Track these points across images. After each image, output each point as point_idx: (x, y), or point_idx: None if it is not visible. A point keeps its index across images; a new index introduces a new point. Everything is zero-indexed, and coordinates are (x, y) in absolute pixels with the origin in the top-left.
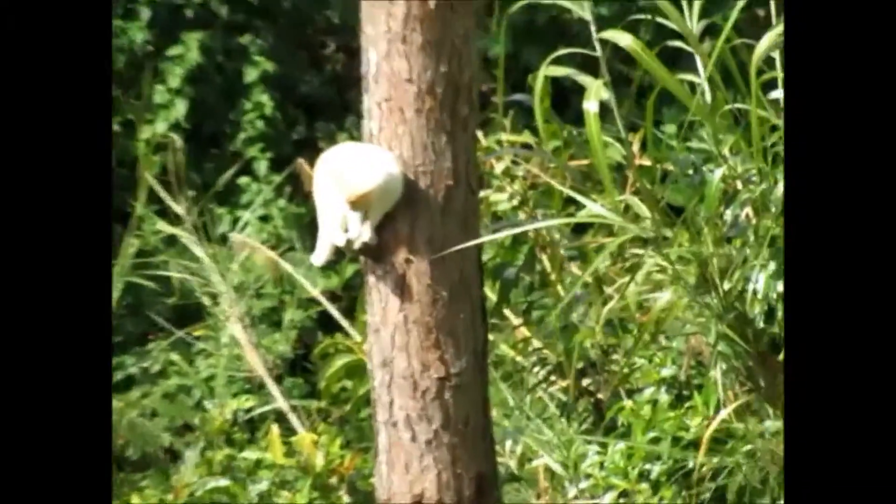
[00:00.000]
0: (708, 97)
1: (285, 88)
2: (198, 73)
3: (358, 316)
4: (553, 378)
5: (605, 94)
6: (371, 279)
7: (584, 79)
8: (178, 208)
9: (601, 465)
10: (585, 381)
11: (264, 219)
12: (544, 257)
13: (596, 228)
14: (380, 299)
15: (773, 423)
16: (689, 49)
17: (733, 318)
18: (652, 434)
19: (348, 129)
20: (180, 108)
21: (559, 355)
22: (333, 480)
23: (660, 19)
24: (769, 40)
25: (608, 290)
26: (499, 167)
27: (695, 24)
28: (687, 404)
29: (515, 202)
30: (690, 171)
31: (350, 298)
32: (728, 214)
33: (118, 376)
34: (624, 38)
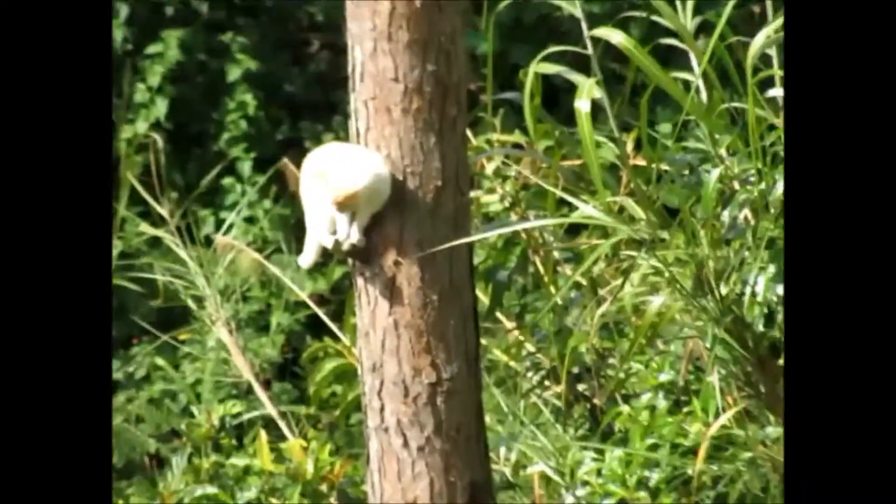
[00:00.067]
0: (703, 96)
1: (269, 87)
2: (178, 71)
3: (347, 319)
4: (547, 383)
5: (598, 93)
6: (360, 282)
7: (575, 77)
8: (162, 210)
9: (598, 472)
10: (581, 387)
11: (249, 220)
12: (537, 259)
13: (590, 230)
14: (369, 302)
15: (774, 430)
16: (682, 47)
17: (731, 321)
18: (650, 440)
19: (334, 130)
20: (161, 107)
21: (553, 360)
22: (324, 487)
23: (653, 16)
24: (765, 37)
25: (602, 292)
26: (490, 167)
27: (689, 21)
28: (685, 410)
29: (507, 203)
30: (686, 172)
31: (338, 301)
32: (726, 216)
33: None
34: (616, 36)
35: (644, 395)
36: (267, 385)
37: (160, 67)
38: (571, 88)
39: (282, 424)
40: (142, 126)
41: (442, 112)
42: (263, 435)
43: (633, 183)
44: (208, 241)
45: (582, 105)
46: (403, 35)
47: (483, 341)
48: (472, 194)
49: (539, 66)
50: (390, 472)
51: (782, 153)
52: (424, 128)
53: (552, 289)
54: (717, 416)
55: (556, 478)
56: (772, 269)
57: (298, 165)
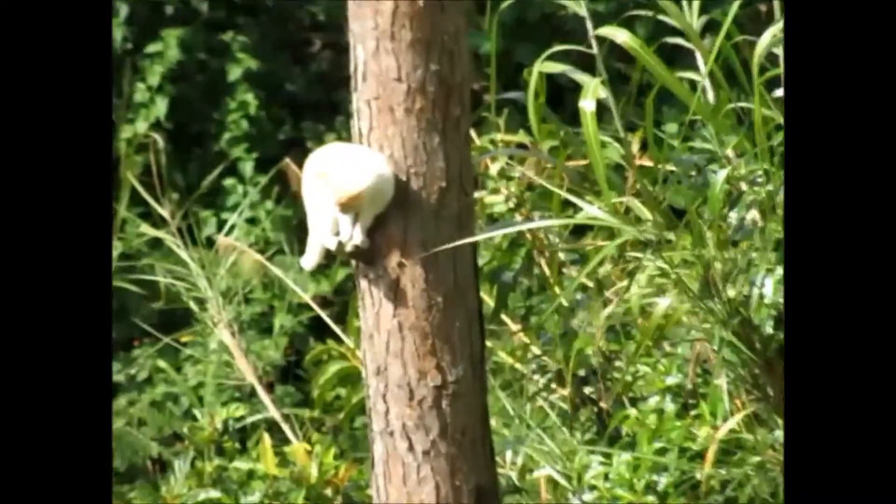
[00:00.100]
0: (710, 96)
1: (270, 87)
2: (178, 70)
3: (350, 321)
4: (554, 386)
5: (603, 93)
6: (363, 283)
7: (580, 76)
8: (163, 211)
9: (606, 477)
10: (588, 390)
11: (251, 221)
12: (542, 261)
13: (596, 231)
14: (373, 304)
15: (783, 433)
16: (688, 46)
17: (738, 323)
18: (658, 444)
19: (337, 130)
20: (161, 107)
21: (559, 362)
22: (328, 492)
23: (658, 15)
24: (771, 36)
25: (608, 294)
26: (494, 168)
27: (695, 20)
28: (694, 413)
29: (511, 204)
30: (693, 172)
31: (342, 303)
32: (733, 217)
33: None
34: (621, 35)
35: (652, 398)
36: (270, 388)
37: (160, 67)
38: (576, 88)
39: (285, 428)
40: (142, 126)
41: (445, 112)
42: (267, 438)
43: (639, 183)
44: (210, 243)
45: (587, 105)
46: (406, 34)
47: (488, 343)
48: (477, 195)
49: (543, 66)
50: (395, 476)
51: None
52: (428, 128)
53: (558, 290)
54: (725, 419)
55: (563, 482)
56: (779, 270)
57: (300, 166)
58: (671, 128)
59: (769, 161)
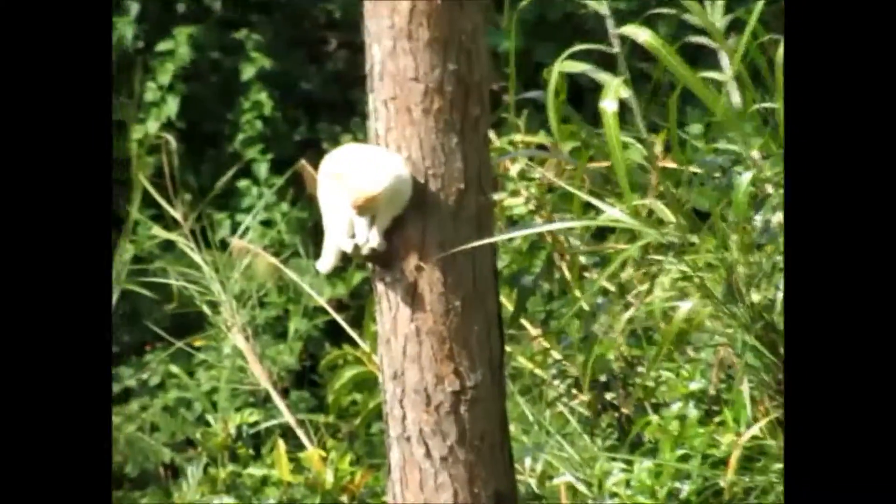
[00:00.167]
0: (735, 97)
1: (284, 87)
2: (191, 70)
3: (366, 325)
4: (574, 391)
5: (625, 93)
6: (380, 287)
7: (601, 76)
8: (175, 213)
9: (627, 484)
10: (609, 395)
11: (266, 223)
12: (563, 264)
13: (617, 234)
14: (389, 308)
15: None
16: (713, 45)
17: (761, 328)
18: (680, 451)
19: (352, 130)
20: (172, 106)
21: (580, 367)
22: (344, 498)
23: (677, 12)
24: None
25: (630, 297)
26: (514, 169)
27: (718, 19)
28: (717, 419)
29: (532, 206)
30: (717, 174)
31: (358, 307)
32: (758, 220)
33: (115, 388)
34: (643, 34)
35: (674, 404)
36: (285, 393)
37: (171, 65)
38: (597, 88)
39: (300, 433)
40: (153, 126)
41: (464, 112)
42: (281, 444)
43: (662, 185)
44: (223, 245)
45: (608, 105)
46: (423, 33)
47: (507, 348)
48: (496, 197)
49: (564, 65)
50: (412, 483)
51: None
52: (446, 128)
53: (578, 294)
54: (748, 425)
55: (583, 489)
56: None
57: (316, 167)
58: (695, 128)
59: None
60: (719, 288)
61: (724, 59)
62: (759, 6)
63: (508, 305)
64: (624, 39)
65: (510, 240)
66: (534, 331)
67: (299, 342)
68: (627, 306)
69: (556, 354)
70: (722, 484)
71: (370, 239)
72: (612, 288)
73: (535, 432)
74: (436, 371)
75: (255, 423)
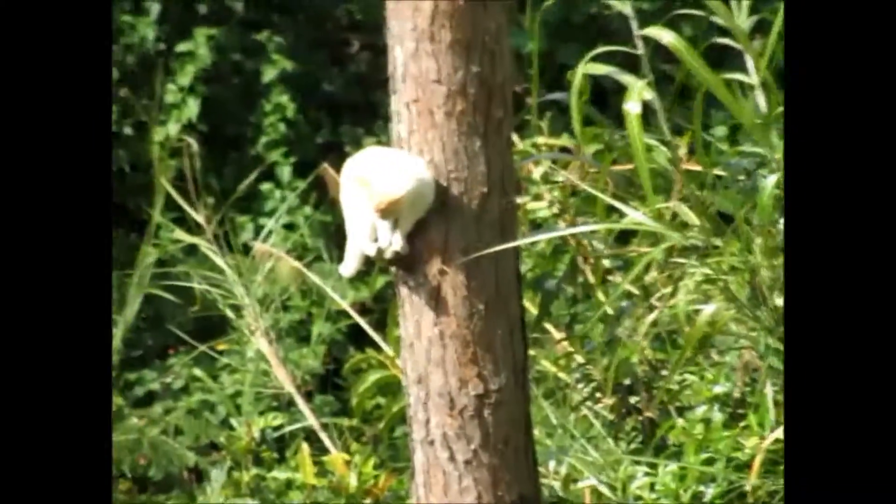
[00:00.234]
0: (760, 100)
1: (306, 89)
2: (213, 72)
3: (390, 329)
4: (598, 395)
5: (648, 95)
6: (403, 291)
7: (625, 78)
8: (198, 216)
9: (651, 487)
10: (633, 399)
11: (289, 227)
12: (587, 268)
13: (641, 237)
14: (413, 312)
15: None
16: (738, 46)
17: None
18: (705, 454)
19: (376, 133)
20: (192, 108)
21: (604, 371)
22: (367, 502)
23: (705, 14)
24: None
25: (654, 301)
26: (537, 172)
27: (744, 20)
28: (742, 423)
29: (555, 210)
30: (742, 177)
31: (381, 311)
32: (782, 223)
33: (139, 392)
34: (667, 36)
35: (698, 407)
36: (308, 397)
37: (191, 67)
38: (621, 90)
39: (324, 437)
40: (174, 128)
41: (487, 115)
42: (305, 448)
43: (686, 188)
44: (246, 249)
45: (632, 107)
46: (446, 35)
47: (531, 352)
48: (519, 200)
49: (587, 67)
50: (436, 487)
51: None
52: (468, 131)
53: (602, 298)
54: (772, 429)
55: (607, 492)
56: None
57: (338, 170)
58: (719, 131)
59: None
60: (743, 291)
61: (750, 60)
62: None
63: (532, 309)
64: (648, 41)
65: (533, 243)
66: (557, 334)
67: (323, 346)
68: (651, 309)
69: (579, 358)
70: (746, 487)
71: (393, 242)
72: (635, 291)
73: (558, 436)
74: (459, 375)
75: (279, 427)
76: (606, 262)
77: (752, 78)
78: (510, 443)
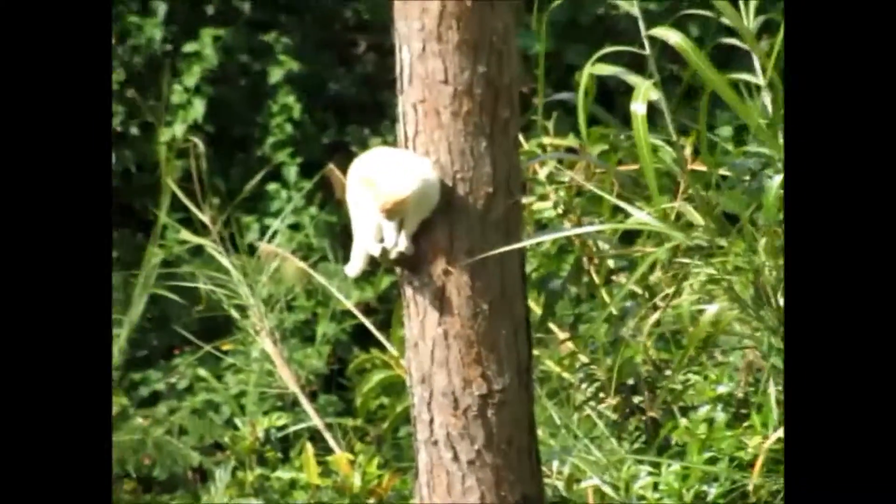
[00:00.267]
0: (767, 100)
1: (313, 89)
2: (219, 72)
3: (394, 329)
4: (602, 395)
5: (655, 95)
6: (408, 291)
7: (632, 78)
8: (204, 217)
9: (655, 487)
10: (637, 399)
11: (295, 227)
12: (591, 268)
13: (645, 237)
14: (417, 312)
15: None
16: (745, 47)
17: None
18: (708, 454)
19: (382, 133)
20: (198, 109)
21: (608, 371)
22: (371, 501)
23: (713, 15)
24: None
25: (658, 300)
26: (542, 172)
27: (751, 20)
28: (745, 423)
29: (560, 210)
30: (747, 177)
31: (386, 311)
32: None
33: (144, 392)
34: (673, 36)
35: (702, 407)
36: (313, 397)
37: (197, 67)
38: (627, 90)
39: (328, 437)
40: (179, 129)
41: (493, 115)
42: (309, 448)
43: (691, 188)
44: (252, 249)
45: (638, 108)
46: (453, 35)
47: (535, 352)
48: (525, 200)
49: (594, 67)
50: (440, 487)
51: None
52: (475, 132)
53: (606, 298)
54: (775, 428)
55: (610, 492)
56: None
57: (345, 171)
58: (725, 131)
59: None
60: (747, 291)
61: (757, 61)
62: None
63: (536, 309)
64: (654, 41)
65: (538, 243)
66: (561, 334)
67: (327, 346)
68: (655, 309)
69: (583, 358)
70: (749, 487)
71: (398, 243)
72: (639, 291)
73: (562, 436)
74: (463, 375)
75: (284, 427)
76: (611, 263)
77: (759, 79)
78: (514, 443)
